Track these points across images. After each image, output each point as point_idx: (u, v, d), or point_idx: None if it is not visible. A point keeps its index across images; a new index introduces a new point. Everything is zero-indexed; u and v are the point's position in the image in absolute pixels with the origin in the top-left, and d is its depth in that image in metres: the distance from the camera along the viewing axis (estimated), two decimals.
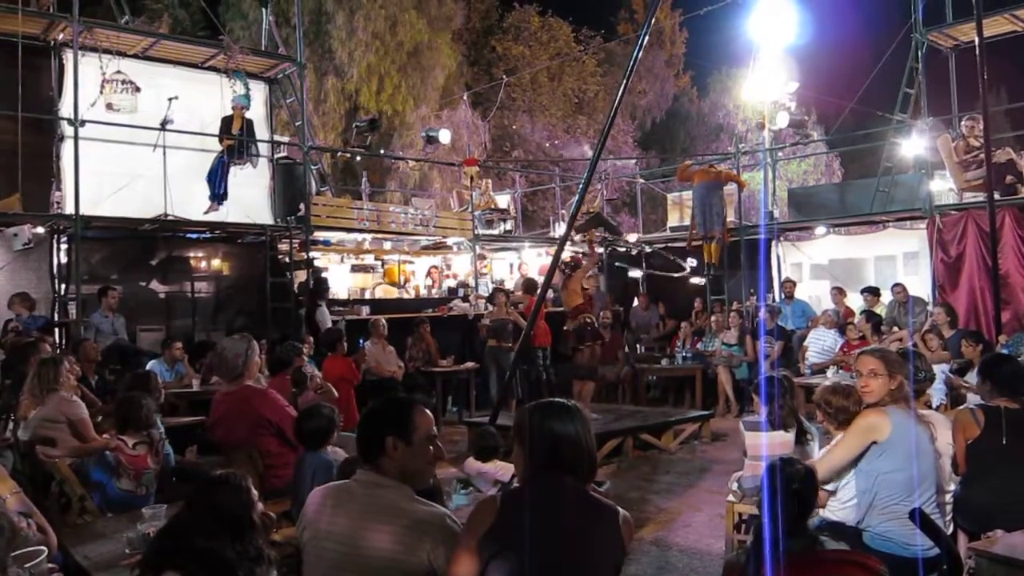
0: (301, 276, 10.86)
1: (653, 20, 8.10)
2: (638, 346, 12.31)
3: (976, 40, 9.29)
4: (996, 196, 9.23)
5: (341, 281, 12.83)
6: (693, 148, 25.54)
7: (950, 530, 3.93)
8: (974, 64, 9.26)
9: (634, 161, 19.37)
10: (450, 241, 12.92)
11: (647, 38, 7.37)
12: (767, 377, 4.56)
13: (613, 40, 24.79)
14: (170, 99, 9.71)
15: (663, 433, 8.56)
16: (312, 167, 11.43)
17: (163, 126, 9.63)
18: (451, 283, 13.50)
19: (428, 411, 2.66)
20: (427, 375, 10.32)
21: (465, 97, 20.15)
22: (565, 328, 9.28)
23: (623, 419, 8.79)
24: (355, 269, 13.45)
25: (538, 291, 8.86)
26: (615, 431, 8.15)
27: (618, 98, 7.24)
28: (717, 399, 10.55)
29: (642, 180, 15.84)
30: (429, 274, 13.91)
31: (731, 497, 4.58)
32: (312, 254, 10.93)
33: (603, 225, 14.27)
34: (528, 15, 24.05)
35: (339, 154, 17.93)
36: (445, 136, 14.10)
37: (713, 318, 11.31)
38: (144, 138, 9.54)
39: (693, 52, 27.39)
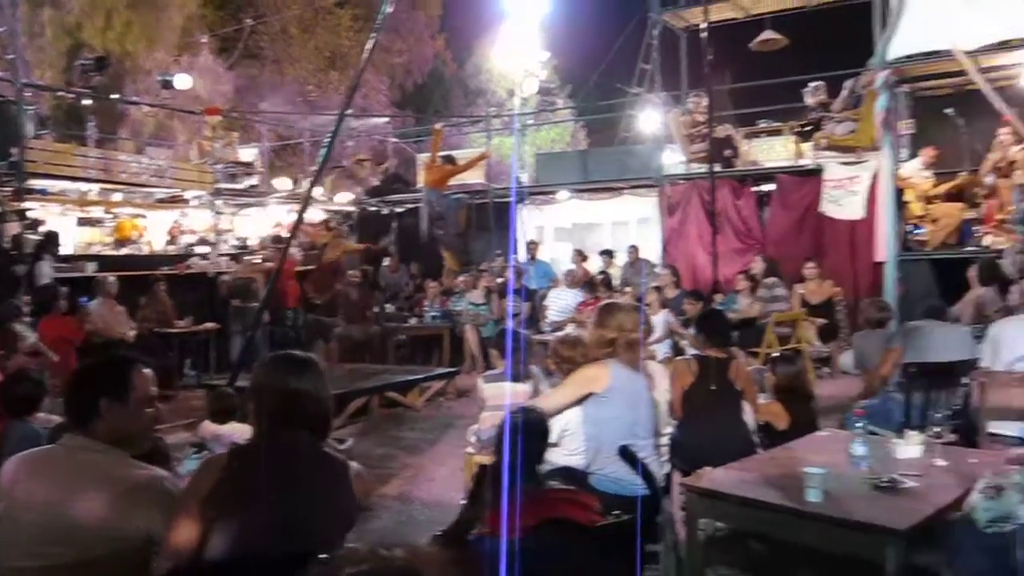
0: (14, 228, 9.76)
1: None
2: (387, 305, 12.30)
3: (703, 23, 10.05)
4: (716, 168, 10.09)
5: (66, 236, 11.69)
6: (448, 110, 25.71)
7: (667, 469, 4.29)
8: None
9: (387, 120, 19.21)
10: (188, 195, 12.18)
11: None
12: (505, 330, 4.73)
13: None
14: None
15: (409, 391, 8.64)
16: (27, 108, 10.26)
17: None
18: (190, 239, 12.72)
19: (147, 370, 2.49)
20: (162, 336, 9.70)
21: (207, 42, 18.93)
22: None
23: (370, 378, 8.76)
24: (82, 223, 12.32)
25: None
26: (361, 390, 8.10)
27: (367, 53, 7.11)
28: (464, 357, 10.78)
29: (394, 140, 15.77)
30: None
31: (470, 449, 4.71)
32: (27, 204, 9.86)
33: (400, 182, 14.31)
34: None
35: (60, 95, 16.23)
36: (183, 82, 13.23)
37: (460, 278, 11.52)
38: None
39: (450, 15, 27.43)
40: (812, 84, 10.87)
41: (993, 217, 9.40)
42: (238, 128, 16.07)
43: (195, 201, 12.57)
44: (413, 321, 11.61)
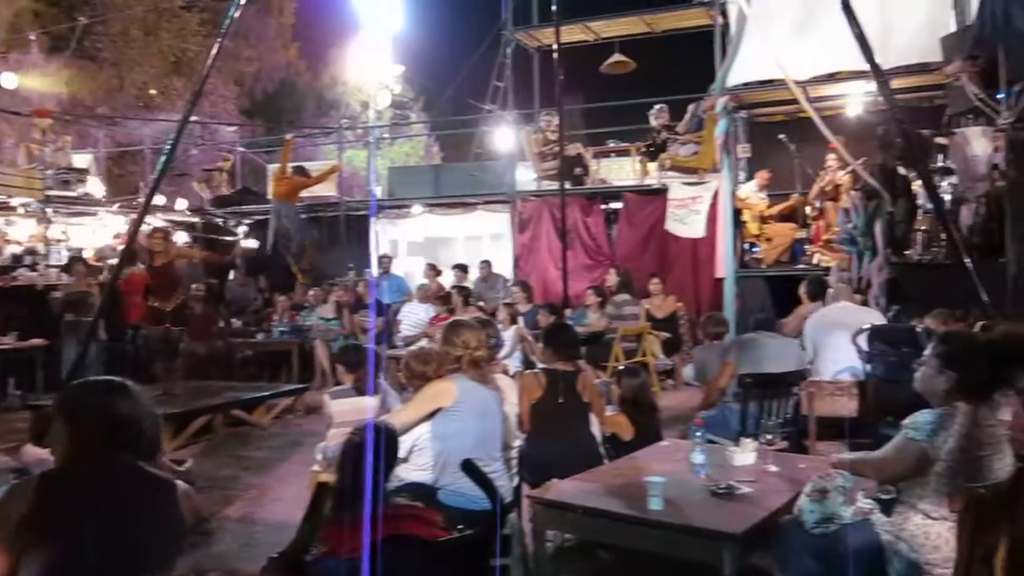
0: None
1: None
2: (234, 320, 11.86)
3: (554, 44, 10.26)
4: (567, 185, 10.31)
5: None
6: (301, 121, 25.18)
7: (516, 482, 4.31)
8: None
9: (235, 128, 18.60)
10: (15, 202, 11.37)
11: None
12: (351, 345, 4.64)
13: None
14: None
15: (256, 408, 8.33)
16: None
17: None
18: (15, 249, 11.86)
19: None
20: None
21: (38, 39, 17.73)
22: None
23: (214, 395, 8.38)
24: None
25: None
26: (204, 408, 7.74)
27: (211, 58, 6.87)
28: (314, 373, 10.52)
29: (242, 149, 15.27)
30: None
31: (316, 467, 4.58)
32: None
33: (250, 194, 13.83)
34: None
35: None
36: (9, 81, 12.36)
37: (311, 292, 11.25)
38: None
39: (305, 24, 26.89)
40: (655, 107, 11.28)
41: (821, 237, 10.05)
42: (72, 132, 15.12)
43: (22, 209, 11.76)
44: (261, 336, 11.23)
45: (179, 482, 2.19)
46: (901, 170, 8.81)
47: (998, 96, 6.64)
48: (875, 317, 6.25)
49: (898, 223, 9.00)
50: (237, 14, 7.13)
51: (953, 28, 8.70)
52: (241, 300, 12.61)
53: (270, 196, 12.18)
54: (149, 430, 2.23)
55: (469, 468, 2.96)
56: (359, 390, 4.55)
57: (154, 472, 2.19)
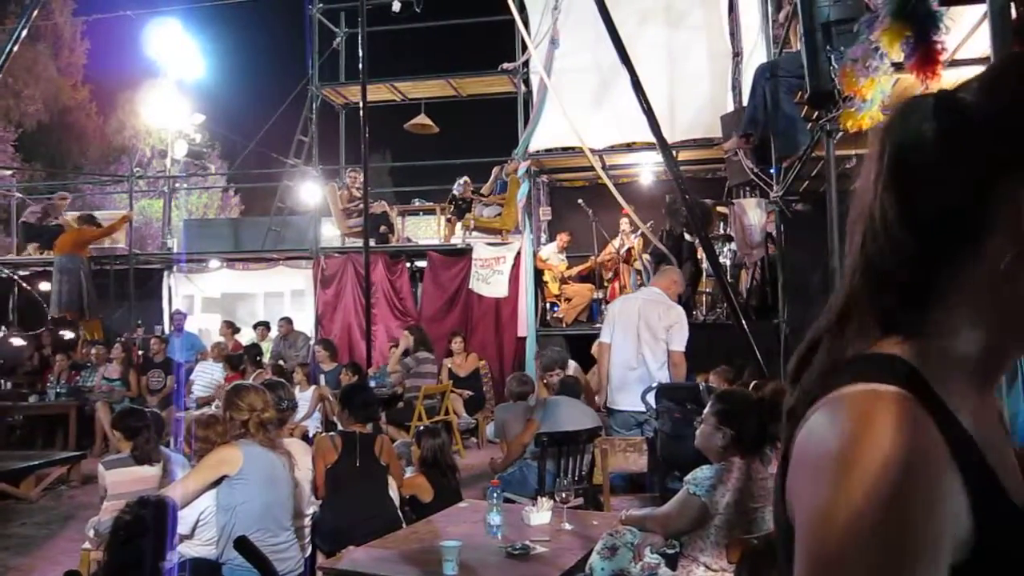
0: None
1: (34, 14, 7.27)
2: (3, 381, 10.79)
3: (361, 102, 10.24)
4: (371, 243, 10.23)
5: None
6: (88, 166, 23.69)
7: (309, 552, 4.12)
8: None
9: (11, 172, 17.15)
10: None
11: (25, 32, 6.60)
12: (129, 409, 4.32)
13: None
14: None
15: (23, 479, 7.56)
16: None
17: None
18: None
19: None
20: None
21: None
22: None
23: None
24: None
25: None
26: None
27: None
28: (95, 439, 9.72)
29: (19, 195, 14.07)
30: None
31: (87, 544, 4.19)
32: None
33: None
34: None
35: None
36: None
37: (93, 351, 10.45)
38: None
39: (96, 66, 25.49)
40: (461, 179, 11.36)
41: (616, 296, 10.49)
42: None
43: None
44: (34, 399, 10.24)
45: None
46: (687, 236, 9.42)
47: (770, 171, 7.21)
48: (674, 313, 6.03)
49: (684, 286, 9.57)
50: (15, 47, 6.65)
51: (731, 108, 9.47)
52: (12, 358, 11.53)
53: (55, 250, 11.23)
54: None
55: (242, 546, 2.79)
56: (138, 458, 4.21)
57: None
